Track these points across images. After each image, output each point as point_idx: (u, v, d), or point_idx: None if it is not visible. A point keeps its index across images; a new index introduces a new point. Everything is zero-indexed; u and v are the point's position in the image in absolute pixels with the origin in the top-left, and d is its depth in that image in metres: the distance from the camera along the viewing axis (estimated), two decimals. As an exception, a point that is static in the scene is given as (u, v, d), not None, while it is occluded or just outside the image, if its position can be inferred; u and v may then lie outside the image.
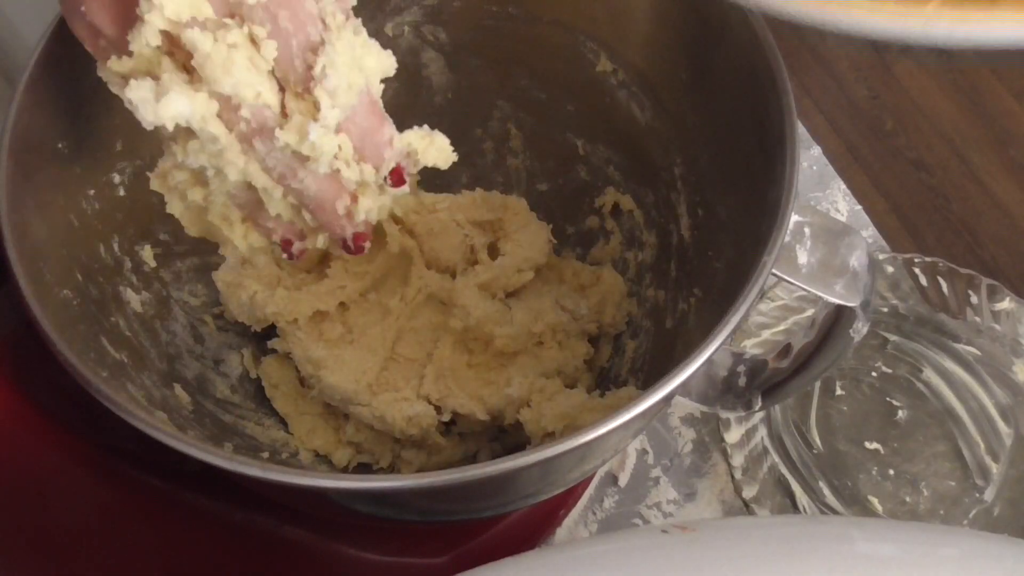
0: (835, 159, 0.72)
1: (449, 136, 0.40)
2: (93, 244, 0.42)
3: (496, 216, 0.55)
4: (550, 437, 0.46)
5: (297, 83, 0.34)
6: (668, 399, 0.33)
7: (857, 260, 0.37)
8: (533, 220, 0.55)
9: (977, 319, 0.57)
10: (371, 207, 0.38)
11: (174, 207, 0.38)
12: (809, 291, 0.37)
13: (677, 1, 0.45)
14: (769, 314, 0.58)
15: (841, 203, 0.65)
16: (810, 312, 0.57)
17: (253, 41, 0.33)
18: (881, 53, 1.54)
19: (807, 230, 0.37)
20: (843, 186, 0.66)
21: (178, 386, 0.44)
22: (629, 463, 0.54)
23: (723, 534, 0.33)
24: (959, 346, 0.57)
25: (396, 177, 0.38)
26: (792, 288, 0.56)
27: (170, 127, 0.33)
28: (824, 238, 0.37)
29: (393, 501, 0.36)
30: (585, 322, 0.53)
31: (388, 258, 0.53)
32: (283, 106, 0.34)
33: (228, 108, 0.33)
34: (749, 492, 0.52)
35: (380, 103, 0.37)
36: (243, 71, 0.32)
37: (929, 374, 0.56)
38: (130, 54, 0.33)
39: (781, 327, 0.58)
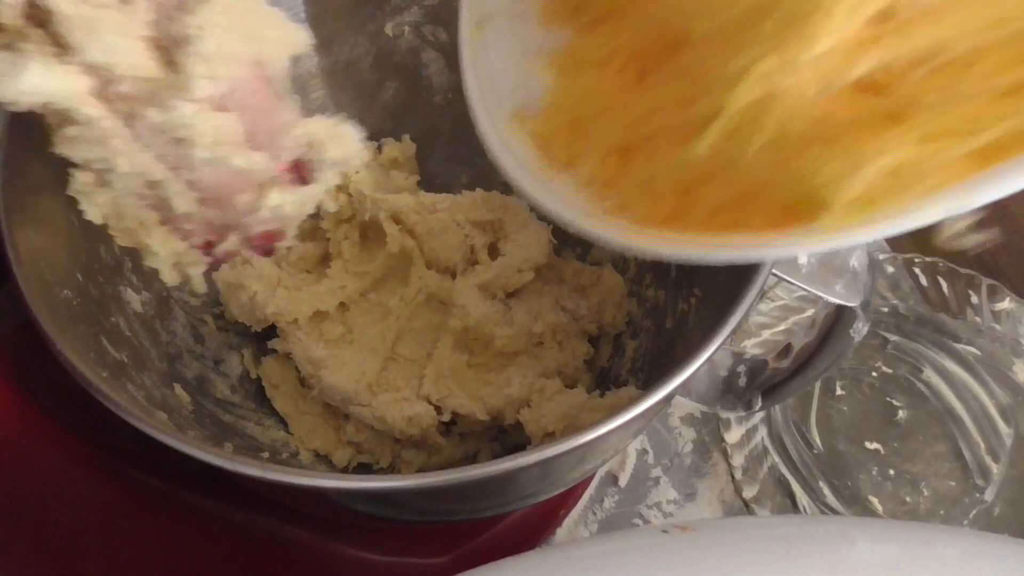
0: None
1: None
2: (93, 244, 0.42)
3: (496, 216, 0.55)
4: (550, 437, 0.46)
5: (174, 50, 0.30)
6: (668, 399, 0.33)
7: (857, 260, 0.37)
8: (533, 220, 0.55)
9: (977, 319, 0.57)
10: (281, 202, 0.34)
11: (92, 214, 0.35)
12: (809, 291, 0.37)
13: None
14: (769, 314, 0.58)
15: (841, 203, 0.65)
16: (810, 312, 0.57)
17: (127, 3, 0.29)
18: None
19: (807, 230, 0.37)
20: (843, 186, 0.66)
21: (178, 386, 0.44)
22: (629, 463, 0.54)
23: (723, 534, 0.33)
24: (959, 346, 0.57)
25: (297, 171, 0.33)
26: (792, 288, 0.56)
27: (25, 105, 0.29)
28: (824, 238, 0.37)
29: (393, 501, 0.36)
30: (585, 322, 0.53)
31: (388, 258, 0.53)
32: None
33: (107, 84, 0.29)
34: (749, 492, 0.52)
35: (280, 83, 0.32)
36: (112, 35, 0.29)
37: (929, 374, 0.56)
38: None
39: (781, 327, 0.58)
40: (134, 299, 0.44)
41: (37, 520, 0.43)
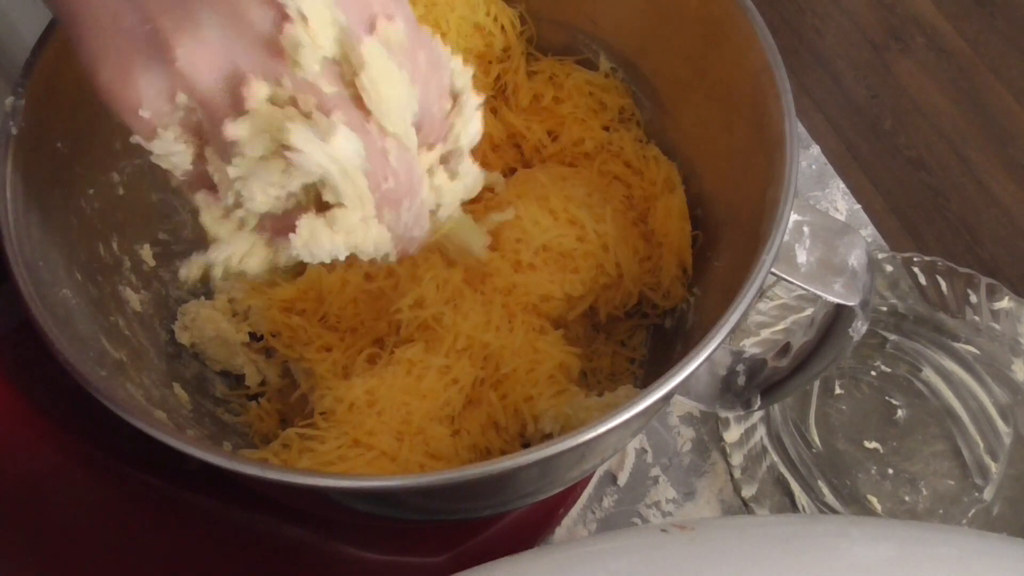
0: (834, 158, 0.72)
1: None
2: (92, 243, 0.42)
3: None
4: (549, 437, 0.46)
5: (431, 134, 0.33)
6: (667, 398, 0.33)
7: (856, 259, 0.37)
8: None
9: (976, 318, 0.57)
10: (451, 198, 0.36)
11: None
12: (808, 290, 0.37)
13: (676, 1, 0.45)
14: (768, 313, 0.58)
15: (840, 202, 0.65)
16: (809, 311, 0.57)
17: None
18: (880, 52, 1.54)
19: (806, 229, 0.37)
20: (842, 185, 0.66)
21: (177, 385, 0.44)
22: (628, 462, 0.54)
23: (722, 533, 0.33)
24: (958, 345, 0.57)
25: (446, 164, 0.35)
26: (791, 287, 0.56)
27: (335, 173, 0.29)
28: (823, 237, 0.37)
29: (392, 500, 0.36)
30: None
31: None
32: None
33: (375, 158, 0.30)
34: (748, 491, 0.52)
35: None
36: (407, 86, 0.30)
37: (928, 373, 0.56)
38: (244, 112, 0.29)
39: (780, 326, 0.58)
40: (133, 298, 0.44)
41: (35, 519, 0.43)
